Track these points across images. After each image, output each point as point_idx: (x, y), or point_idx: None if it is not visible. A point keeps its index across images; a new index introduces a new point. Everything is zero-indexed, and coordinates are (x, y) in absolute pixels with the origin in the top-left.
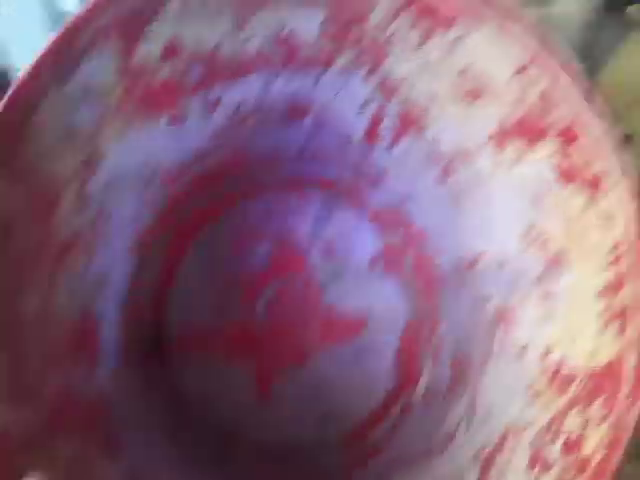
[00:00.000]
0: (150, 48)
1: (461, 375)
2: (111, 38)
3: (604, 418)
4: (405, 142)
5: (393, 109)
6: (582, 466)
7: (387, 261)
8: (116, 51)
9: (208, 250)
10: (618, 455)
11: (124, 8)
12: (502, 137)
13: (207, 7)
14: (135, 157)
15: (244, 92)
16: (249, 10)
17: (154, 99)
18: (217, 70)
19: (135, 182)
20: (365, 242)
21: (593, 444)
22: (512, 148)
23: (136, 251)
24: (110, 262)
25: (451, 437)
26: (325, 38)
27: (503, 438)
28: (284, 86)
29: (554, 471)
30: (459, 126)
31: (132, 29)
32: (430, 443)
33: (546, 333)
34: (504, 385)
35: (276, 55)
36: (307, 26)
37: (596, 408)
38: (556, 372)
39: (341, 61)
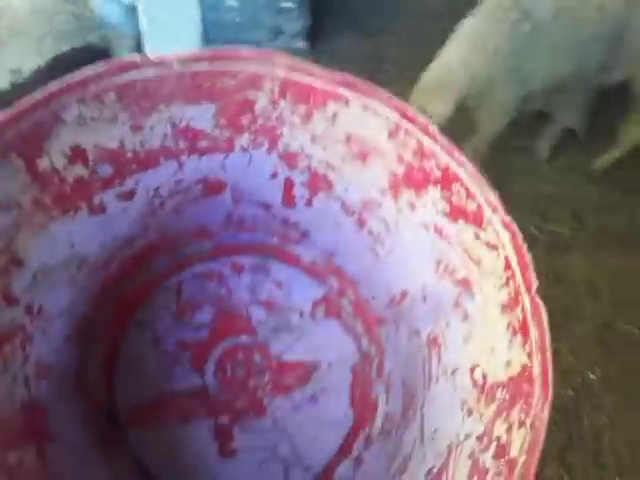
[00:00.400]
0: (53, 158)
1: (410, 402)
2: (11, 157)
3: (523, 422)
4: (319, 201)
5: (300, 175)
6: (510, 468)
7: (327, 307)
8: (18, 167)
9: (149, 325)
10: (537, 456)
11: (19, 129)
12: (395, 188)
13: (102, 116)
14: (60, 250)
15: (158, 179)
16: (142, 113)
17: (69, 197)
18: (126, 165)
19: (64, 273)
20: (304, 292)
21: (517, 446)
22: (405, 197)
23: (76, 337)
24: (51, 352)
25: (407, 460)
26: (221, 126)
27: (448, 454)
28: (195, 169)
29: (489, 476)
30: (359, 182)
31: (30, 146)
32: (391, 469)
33: (469, 352)
34: (444, 405)
35: (180, 144)
36: (201, 118)
37: (516, 413)
38: (483, 385)
39: (241, 143)
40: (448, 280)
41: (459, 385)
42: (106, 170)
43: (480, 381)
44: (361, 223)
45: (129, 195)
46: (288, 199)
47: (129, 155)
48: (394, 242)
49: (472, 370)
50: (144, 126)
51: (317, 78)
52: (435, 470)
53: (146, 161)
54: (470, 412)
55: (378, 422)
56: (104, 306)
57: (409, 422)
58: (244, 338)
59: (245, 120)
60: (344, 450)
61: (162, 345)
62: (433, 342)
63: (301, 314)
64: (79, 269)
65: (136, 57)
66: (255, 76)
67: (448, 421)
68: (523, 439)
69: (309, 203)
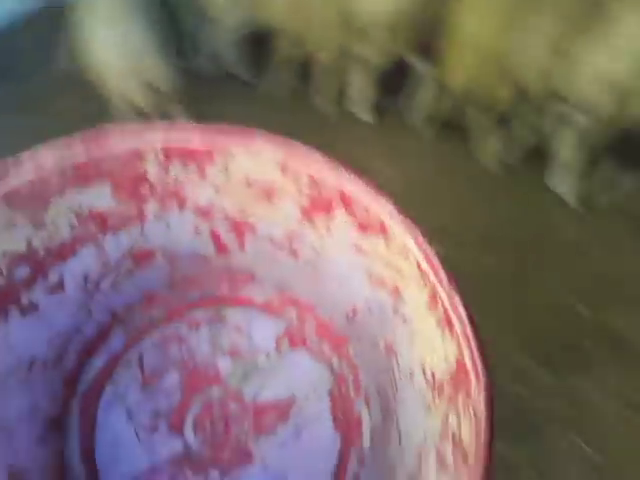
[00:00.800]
0: None
1: (388, 411)
2: None
3: (467, 412)
4: (250, 243)
5: (221, 224)
6: (465, 456)
7: (291, 339)
8: None
9: (120, 402)
10: (484, 442)
11: None
12: (308, 217)
13: None
14: (2, 357)
15: (81, 265)
16: (39, 211)
17: None
18: (42, 261)
19: (15, 379)
20: (265, 331)
21: (467, 435)
22: (319, 223)
23: (48, 435)
24: (22, 457)
25: (393, 468)
26: (123, 202)
27: (421, 454)
28: (116, 247)
29: (449, 467)
30: (276, 219)
31: None
32: None
33: (417, 353)
34: (411, 408)
35: (90, 229)
36: (101, 201)
37: (461, 403)
38: (433, 382)
39: (151, 210)
40: (383, 291)
41: (418, 387)
42: (23, 271)
43: (431, 380)
44: (295, 254)
45: (58, 287)
46: (221, 248)
47: (42, 252)
48: (328, 265)
49: (423, 370)
50: (45, 222)
51: (194, 138)
52: (414, 472)
53: (61, 253)
54: (429, 410)
55: (366, 438)
56: (70, 398)
57: (390, 431)
58: (216, 391)
59: (144, 190)
60: (339, 477)
61: (137, 419)
62: (389, 350)
63: (267, 354)
64: (31, 371)
65: (9, 162)
66: (136, 151)
67: (417, 424)
68: (470, 428)
69: (242, 247)
